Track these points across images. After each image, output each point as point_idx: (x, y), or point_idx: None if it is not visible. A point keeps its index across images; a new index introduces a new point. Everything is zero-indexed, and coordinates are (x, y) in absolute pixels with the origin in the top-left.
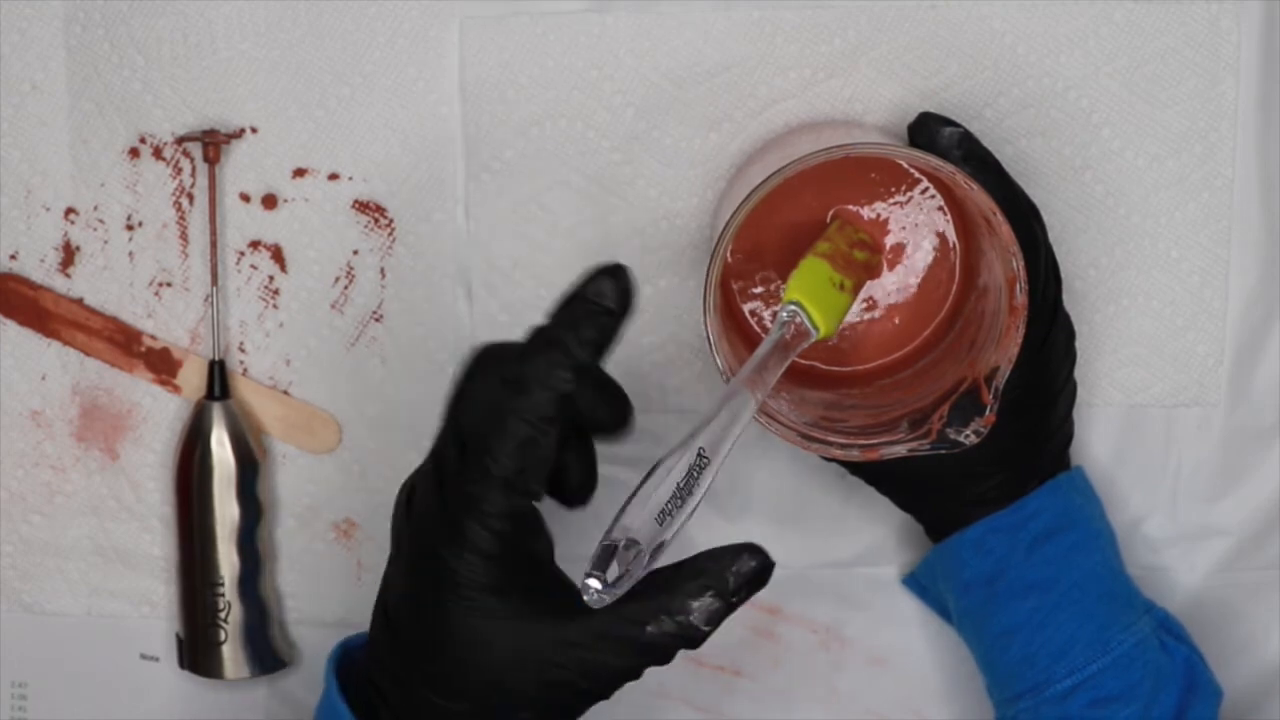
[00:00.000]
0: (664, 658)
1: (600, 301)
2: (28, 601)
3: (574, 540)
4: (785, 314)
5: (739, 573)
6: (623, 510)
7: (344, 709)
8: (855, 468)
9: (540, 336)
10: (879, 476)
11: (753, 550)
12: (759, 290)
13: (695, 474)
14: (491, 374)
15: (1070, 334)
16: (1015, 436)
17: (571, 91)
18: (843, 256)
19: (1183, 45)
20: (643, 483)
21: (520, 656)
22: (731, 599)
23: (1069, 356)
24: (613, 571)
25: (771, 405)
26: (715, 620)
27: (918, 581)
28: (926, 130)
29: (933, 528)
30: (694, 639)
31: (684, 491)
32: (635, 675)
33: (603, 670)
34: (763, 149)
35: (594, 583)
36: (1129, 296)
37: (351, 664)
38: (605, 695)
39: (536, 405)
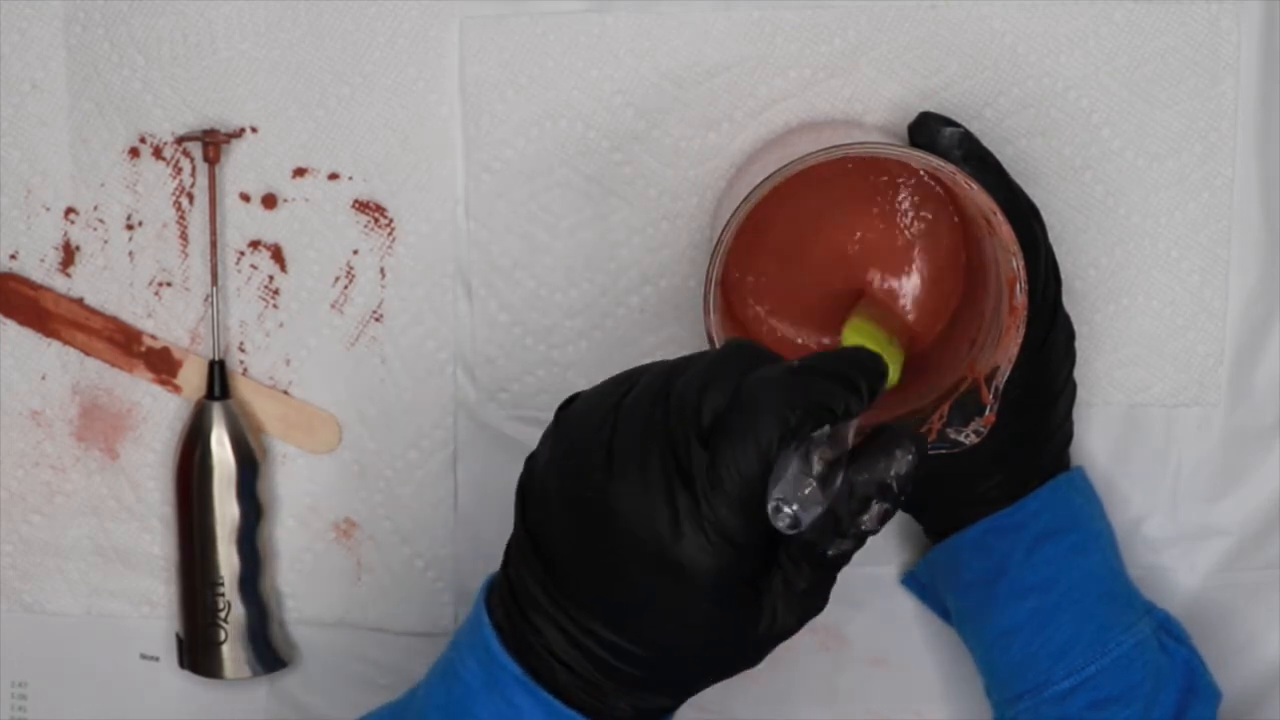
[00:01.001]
0: (846, 561)
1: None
2: (28, 601)
3: None
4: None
5: (900, 476)
6: (802, 446)
7: (510, 663)
8: None
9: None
10: None
11: (904, 444)
12: (760, 291)
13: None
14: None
15: (1070, 334)
16: (1015, 436)
17: (571, 91)
18: (878, 320)
19: (1183, 45)
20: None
21: (737, 638)
22: (901, 498)
23: (1069, 357)
24: (796, 495)
25: None
26: (887, 519)
27: (917, 581)
28: (926, 130)
29: (932, 527)
30: (867, 536)
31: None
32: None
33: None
34: (763, 149)
35: (784, 508)
36: (1129, 296)
37: (494, 593)
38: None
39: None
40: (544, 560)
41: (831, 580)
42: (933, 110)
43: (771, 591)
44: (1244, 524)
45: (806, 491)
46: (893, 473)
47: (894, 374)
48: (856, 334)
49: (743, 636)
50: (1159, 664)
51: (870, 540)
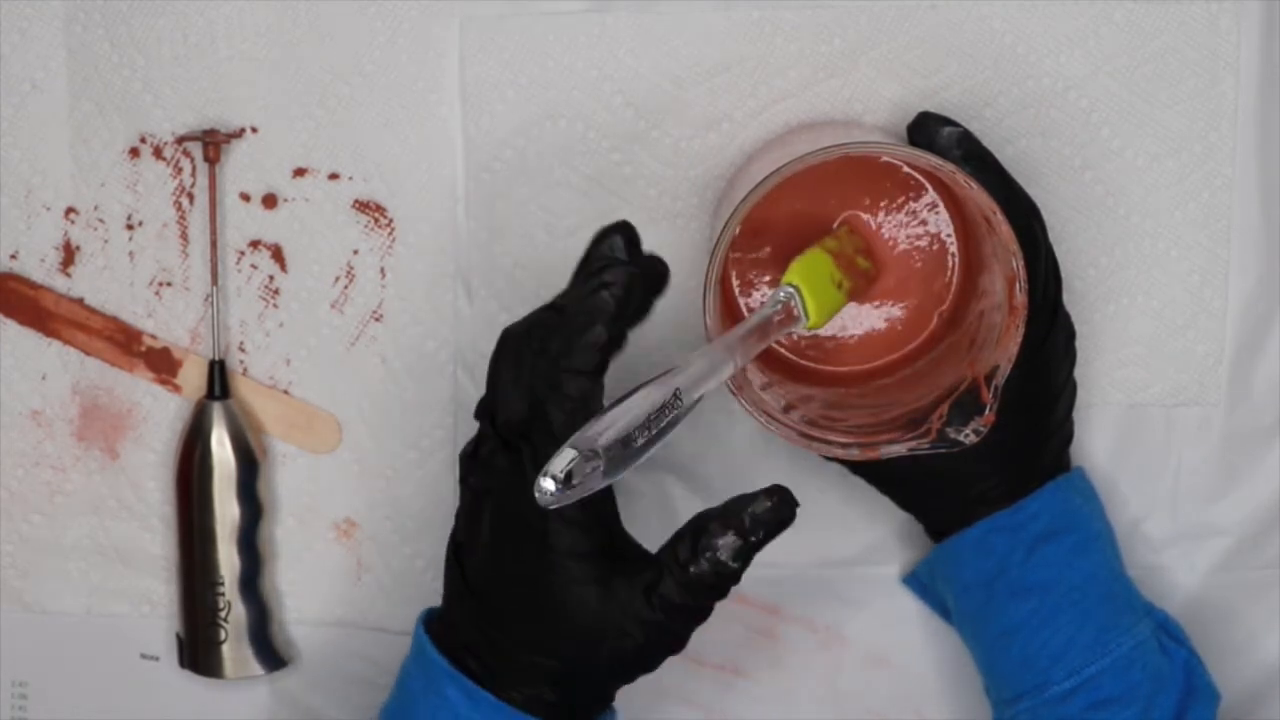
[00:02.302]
0: (713, 595)
1: (614, 253)
2: (28, 601)
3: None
4: (782, 294)
5: (754, 514)
6: (591, 423)
7: (439, 659)
8: (856, 468)
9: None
10: (880, 476)
11: (771, 493)
12: (759, 289)
13: (667, 411)
14: (525, 350)
15: (1070, 334)
16: (1016, 436)
17: (571, 91)
18: (846, 258)
19: (1182, 45)
20: (615, 403)
21: (602, 619)
22: (750, 538)
23: (1069, 356)
24: (571, 475)
25: (771, 404)
26: (741, 557)
27: (919, 581)
28: (926, 130)
29: (933, 528)
30: (728, 575)
31: (653, 424)
32: (698, 617)
33: (665, 621)
34: (763, 149)
35: (549, 483)
36: (1129, 296)
37: (432, 620)
38: (674, 647)
39: (584, 361)
40: (460, 565)
41: (700, 608)
42: (932, 110)
43: (640, 587)
44: (1244, 524)
45: (590, 470)
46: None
47: (816, 318)
48: (802, 266)
49: (612, 617)
50: (1159, 665)
51: (871, 540)
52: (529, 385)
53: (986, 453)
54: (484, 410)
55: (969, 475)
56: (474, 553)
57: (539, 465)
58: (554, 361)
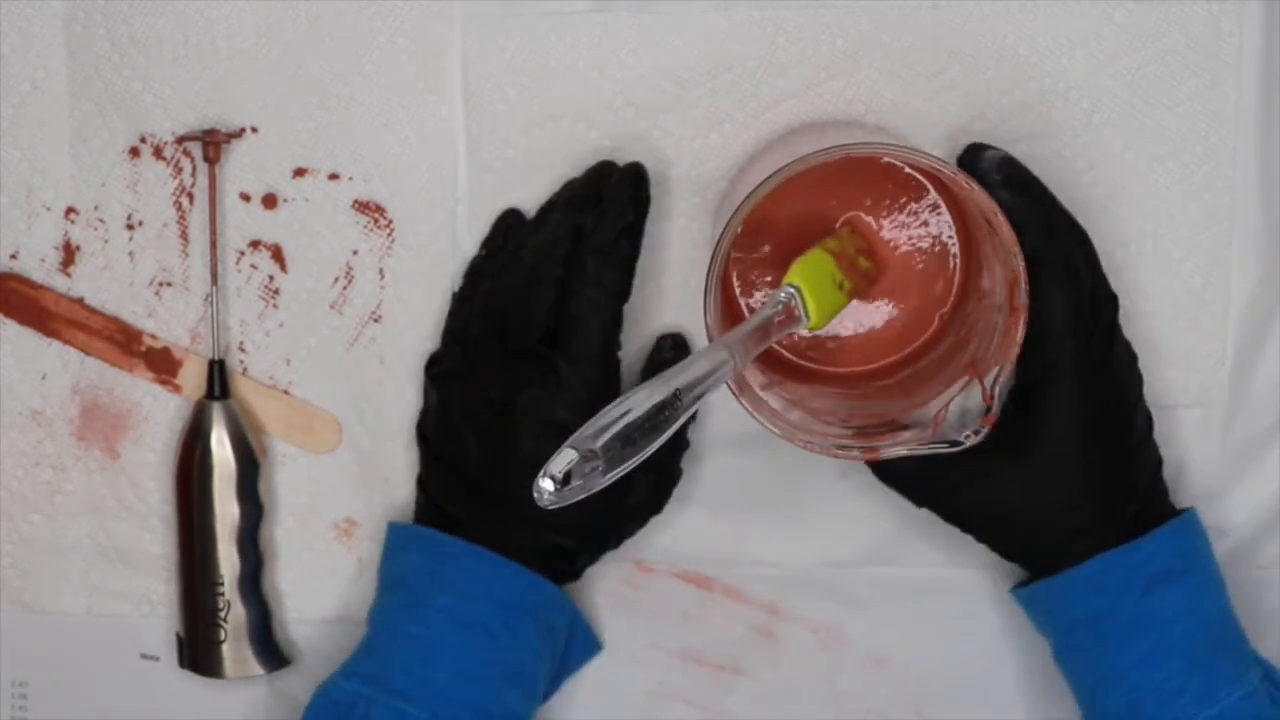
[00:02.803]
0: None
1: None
2: (28, 601)
3: None
4: (783, 295)
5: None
6: (590, 423)
7: (453, 539)
8: (950, 517)
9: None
10: (972, 522)
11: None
12: (760, 289)
13: (666, 411)
14: (545, 277)
15: (1133, 356)
16: (1098, 461)
17: (573, 91)
18: (848, 259)
19: (1184, 46)
20: (615, 403)
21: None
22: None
23: (1135, 375)
24: (570, 476)
25: (772, 405)
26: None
27: (1022, 598)
28: (971, 157)
29: (1041, 560)
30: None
31: (651, 424)
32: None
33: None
34: (765, 149)
35: (547, 484)
36: (1130, 297)
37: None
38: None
39: (618, 280)
40: (457, 470)
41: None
42: (925, 114)
43: None
44: (1244, 524)
45: (589, 469)
46: None
47: (817, 318)
48: (803, 267)
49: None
50: (1267, 716)
51: (871, 540)
52: (559, 305)
53: (1076, 480)
54: (487, 332)
55: (1062, 509)
56: (497, 459)
57: (581, 375)
58: (592, 283)
